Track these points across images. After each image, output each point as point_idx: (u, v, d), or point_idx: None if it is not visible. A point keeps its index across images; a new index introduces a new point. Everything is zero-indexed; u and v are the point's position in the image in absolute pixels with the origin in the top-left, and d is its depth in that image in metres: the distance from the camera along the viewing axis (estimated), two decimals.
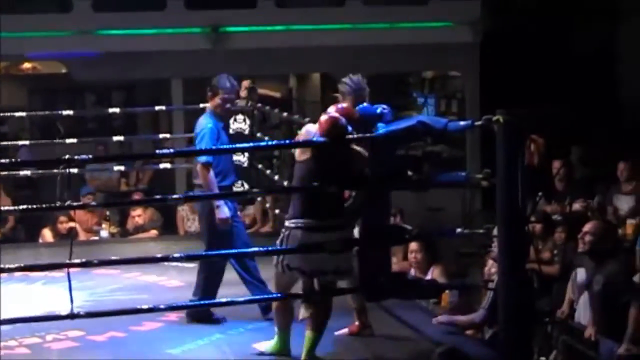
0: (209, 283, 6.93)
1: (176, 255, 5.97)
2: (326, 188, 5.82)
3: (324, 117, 5.89)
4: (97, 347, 6.57)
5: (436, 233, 6.35)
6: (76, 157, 5.26)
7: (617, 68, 14.02)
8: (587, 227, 7.18)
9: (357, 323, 6.62)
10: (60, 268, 5.57)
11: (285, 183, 9.28)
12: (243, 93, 11.06)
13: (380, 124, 5.94)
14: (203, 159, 6.84)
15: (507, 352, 5.62)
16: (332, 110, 5.94)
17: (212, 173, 6.82)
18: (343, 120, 5.86)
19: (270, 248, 6.08)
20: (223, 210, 6.80)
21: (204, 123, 6.95)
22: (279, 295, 6.13)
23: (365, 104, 6.20)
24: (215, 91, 7.04)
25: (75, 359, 6.35)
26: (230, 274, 8.22)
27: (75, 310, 5.43)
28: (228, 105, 7.06)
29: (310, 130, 6.05)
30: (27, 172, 11.24)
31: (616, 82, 14.00)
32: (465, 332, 6.79)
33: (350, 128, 5.84)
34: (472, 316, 6.94)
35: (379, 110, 6.06)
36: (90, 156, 5.45)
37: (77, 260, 5.51)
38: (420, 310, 7.43)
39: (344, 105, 6.07)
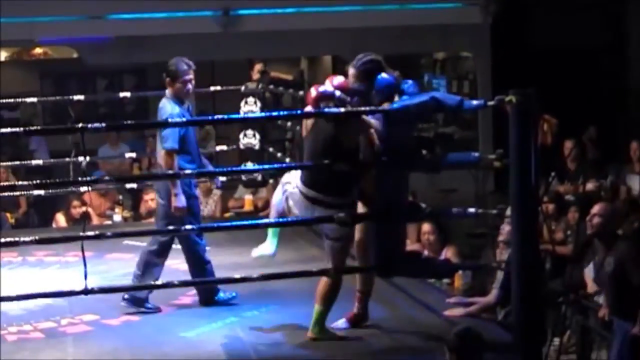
0: (201, 263, 6.93)
1: (188, 227, 6.07)
2: (337, 166, 5.84)
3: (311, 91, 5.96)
4: (111, 331, 6.60)
5: (449, 213, 6.33)
6: (89, 125, 5.27)
7: (627, 51, 13.98)
8: (595, 209, 7.16)
9: (355, 311, 6.43)
10: (74, 241, 5.58)
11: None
12: (255, 76, 11.07)
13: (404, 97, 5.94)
14: (168, 144, 6.72)
15: (521, 332, 5.63)
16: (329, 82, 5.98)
17: (176, 161, 6.73)
18: (327, 91, 5.90)
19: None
20: (180, 199, 6.72)
21: (169, 109, 6.85)
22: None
23: (384, 75, 6.11)
24: (175, 75, 6.90)
25: (90, 344, 6.37)
26: (241, 257, 8.26)
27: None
28: (189, 86, 6.95)
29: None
30: (40, 161, 11.29)
31: (625, 65, 13.95)
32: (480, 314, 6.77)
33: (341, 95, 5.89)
34: (487, 298, 6.92)
35: (405, 87, 6.06)
36: (104, 124, 5.43)
37: (90, 233, 5.58)
38: (434, 290, 7.43)
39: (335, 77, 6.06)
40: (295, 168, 6.12)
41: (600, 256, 7.17)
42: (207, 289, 6.99)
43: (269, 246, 6.24)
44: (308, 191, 5.97)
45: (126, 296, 6.84)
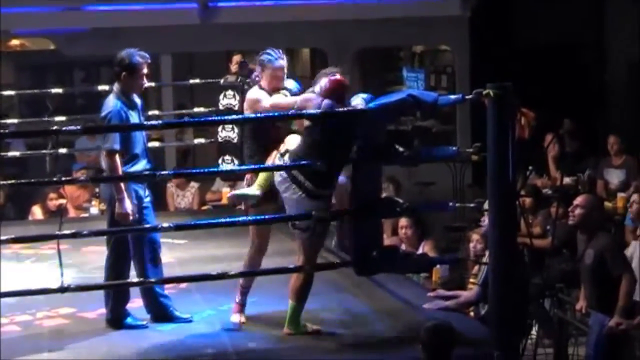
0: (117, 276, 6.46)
1: (165, 225, 5.98)
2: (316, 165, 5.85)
3: (331, 79, 5.98)
4: (88, 324, 6.56)
5: (427, 207, 6.34)
6: (64, 128, 5.22)
7: (606, 46, 14.01)
8: (578, 200, 7.18)
9: None
10: (51, 239, 5.55)
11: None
12: (234, 68, 11.02)
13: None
14: (108, 145, 6.25)
15: (497, 326, 5.64)
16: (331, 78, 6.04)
17: (118, 161, 6.25)
18: (347, 82, 6.00)
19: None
20: (124, 205, 6.25)
21: (111, 104, 6.37)
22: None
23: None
24: (133, 69, 6.40)
25: (67, 337, 6.33)
26: (218, 250, 8.24)
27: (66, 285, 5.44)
28: (145, 81, 6.52)
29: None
30: (16, 153, 11.20)
31: (604, 59, 14.00)
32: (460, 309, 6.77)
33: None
34: (468, 294, 6.90)
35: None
36: (79, 127, 5.33)
37: (66, 232, 5.52)
38: (412, 284, 7.44)
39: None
40: (277, 169, 6.10)
41: (582, 248, 7.18)
42: (116, 308, 6.48)
43: (255, 189, 6.25)
44: (297, 174, 5.97)
45: (108, 317, 6.52)
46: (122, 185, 6.26)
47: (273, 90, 6.36)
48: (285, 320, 6.16)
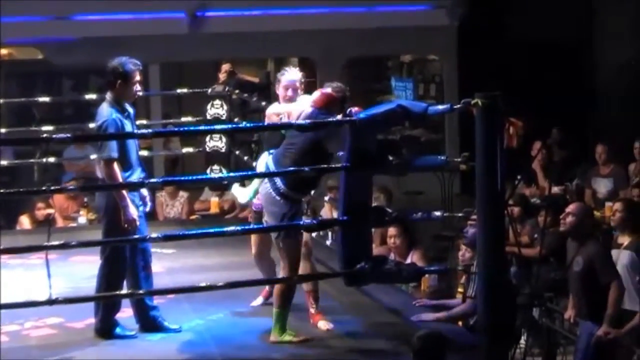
0: (112, 284, 6.42)
1: (153, 235, 5.96)
2: (303, 171, 5.88)
3: (322, 91, 6.19)
4: (76, 334, 6.55)
5: (416, 216, 6.34)
6: (54, 136, 5.20)
7: (593, 54, 14.04)
8: (569, 208, 7.21)
9: (312, 311, 6.54)
10: (40, 250, 5.54)
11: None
12: (222, 76, 11.03)
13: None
14: (106, 154, 6.27)
15: (486, 335, 5.64)
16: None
17: (116, 169, 6.26)
18: (338, 97, 6.14)
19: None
20: (129, 212, 6.26)
21: (105, 114, 6.36)
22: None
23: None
24: (126, 77, 6.39)
25: (55, 347, 6.31)
26: (207, 259, 8.24)
27: (54, 297, 5.41)
28: (138, 88, 6.53)
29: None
30: (4, 162, 11.17)
31: (590, 68, 14.02)
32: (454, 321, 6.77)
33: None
34: (462, 307, 6.89)
35: None
36: (69, 135, 5.34)
37: (55, 242, 5.51)
38: (400, 293, 7.43)
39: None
40: (262, 175, 6.15)
41: (571, 255, 7.20)
42: (106, 318, 6.46)
43: (245, 195, 6.62)
44: (279, 182, 6.06)
45: (97, 327, 6.49)
46: (124, 192, 6.27)
47: (285, 102, 6.61)
48: (272, 328, 6.15)
